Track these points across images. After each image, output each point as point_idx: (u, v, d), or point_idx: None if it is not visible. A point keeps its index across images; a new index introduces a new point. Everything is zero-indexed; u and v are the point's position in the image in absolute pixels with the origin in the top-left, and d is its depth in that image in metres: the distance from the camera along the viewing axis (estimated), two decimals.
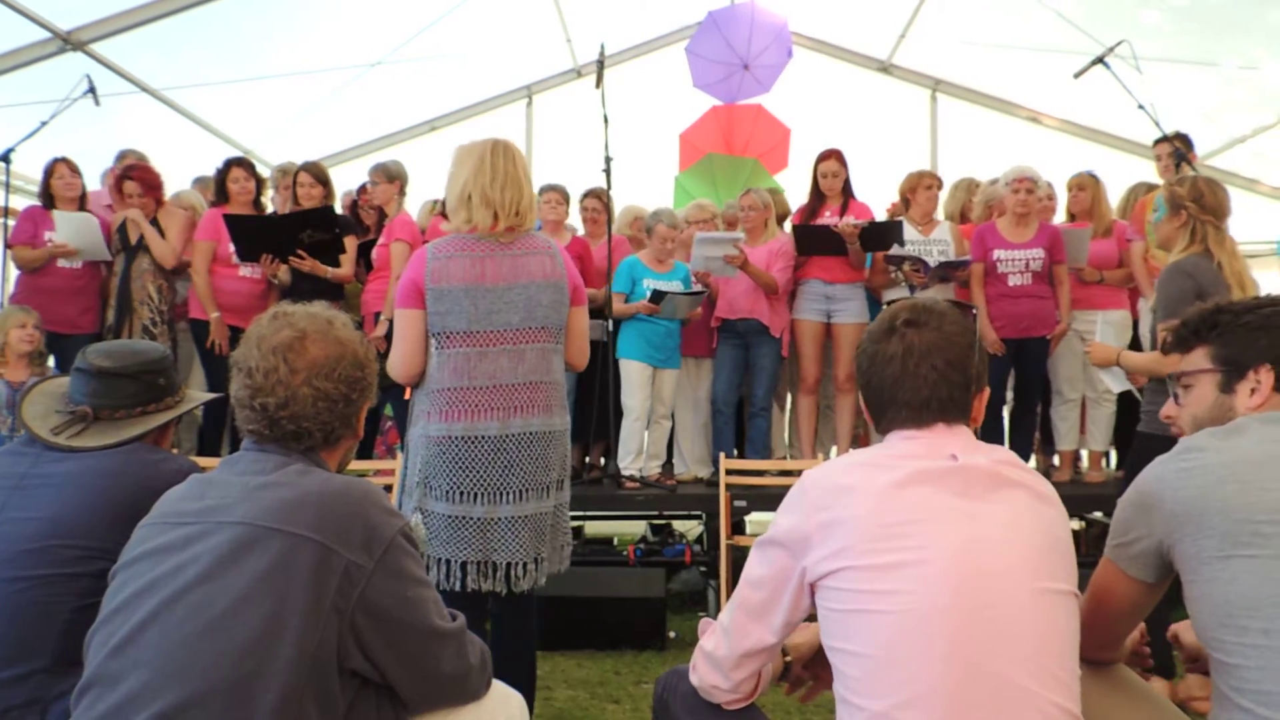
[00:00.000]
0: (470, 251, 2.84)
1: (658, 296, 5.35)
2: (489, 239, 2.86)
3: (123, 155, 6.14)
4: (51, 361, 5.30)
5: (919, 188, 5.77)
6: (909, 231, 5.67)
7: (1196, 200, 3.51)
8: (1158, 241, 3.70)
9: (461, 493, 2.78)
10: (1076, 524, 5.94)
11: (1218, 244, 3.48)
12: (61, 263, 5.49)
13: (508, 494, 2.79)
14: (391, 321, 5.17)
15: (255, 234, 5.40)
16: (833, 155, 5.85)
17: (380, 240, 5.54)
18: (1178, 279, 3.42)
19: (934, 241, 5.67)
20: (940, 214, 5.97)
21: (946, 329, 1.72)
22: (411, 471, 2.89)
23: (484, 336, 2.81)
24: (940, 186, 5.85)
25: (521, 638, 3.00)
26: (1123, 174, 6.69)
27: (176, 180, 6.54)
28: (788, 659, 1.94)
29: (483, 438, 2.79)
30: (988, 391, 1.76)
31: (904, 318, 1.74)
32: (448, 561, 2.78)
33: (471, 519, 2.78)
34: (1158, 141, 5.53)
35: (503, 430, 2.80)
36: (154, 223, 5.59)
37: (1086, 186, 5.84)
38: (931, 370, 1.69)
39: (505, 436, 2.80)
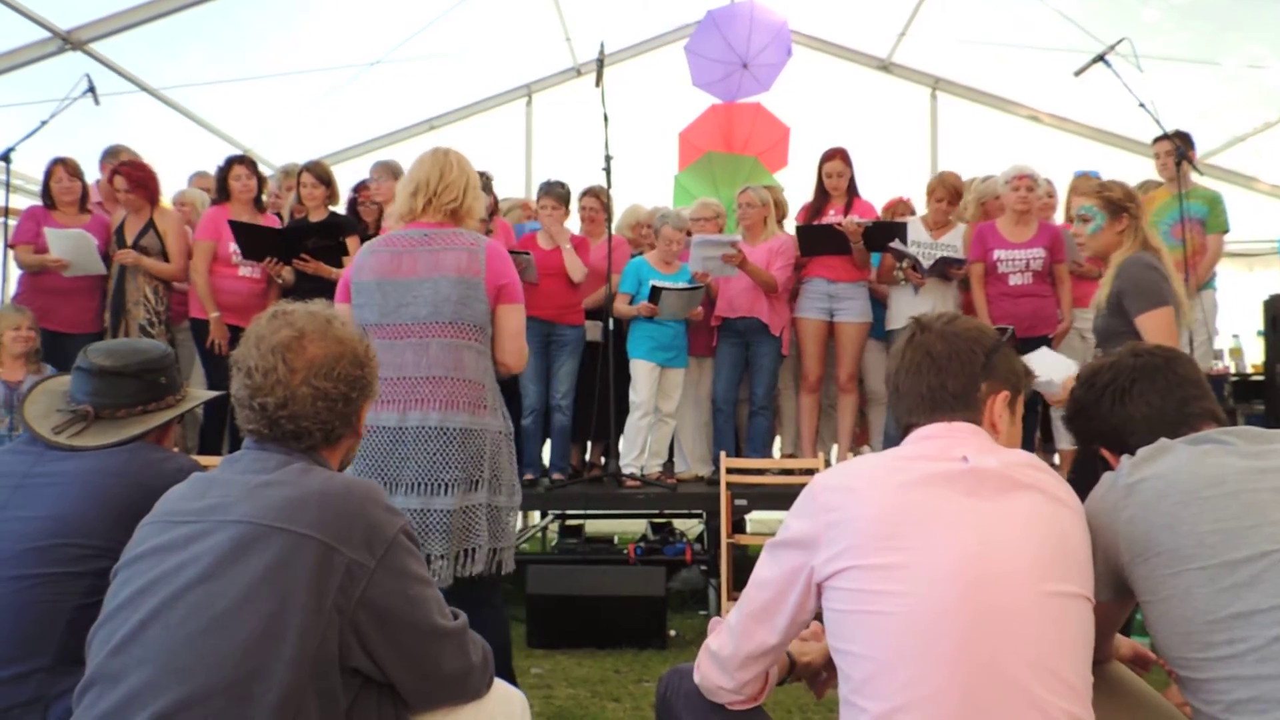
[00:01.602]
0: (393, 246, 2.95)
1: (654, 293, 5.36)
2: (416, 234, 2.94)
3: (113, 151, 6.12)
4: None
5: (930, 197, 5.74)
6: (920, 232, 5.66)
7: (1135, 202, 3.58)
8: (1094, 250, 3.68)
9: None
10: None
11: (1154, 242, 3.55)
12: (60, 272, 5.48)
13: (400, 486, 2.82)
14: None
15: (260, 241, 5.41)
16: (838, 155, 5.84)
17: None
18: (1150, 272, 3.44)
19: (942, 246, 5.65)
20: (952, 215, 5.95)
21: (953, 326, 1.79)
22: None
23: (392, 329, 2.89)
24: (949, 200, 5.77)
25: (490, 640, 2.97)
26: (1124, 173, 6.67)
27: (177, 179, 6.55)
28: (792, 670, 1.94)
29: (382, 428, 2.84)
30: (1005, 394, 1.77)
31: (919, 321, 1.84)
32: None
33: None
34: (1157, 140, 5.53)
35: (400, 422, 2.85)
36: (150, 224, 5.57)
37: None
38: (926, 358, 1.76)
39: (402, 429, 2.84)
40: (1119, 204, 3.56)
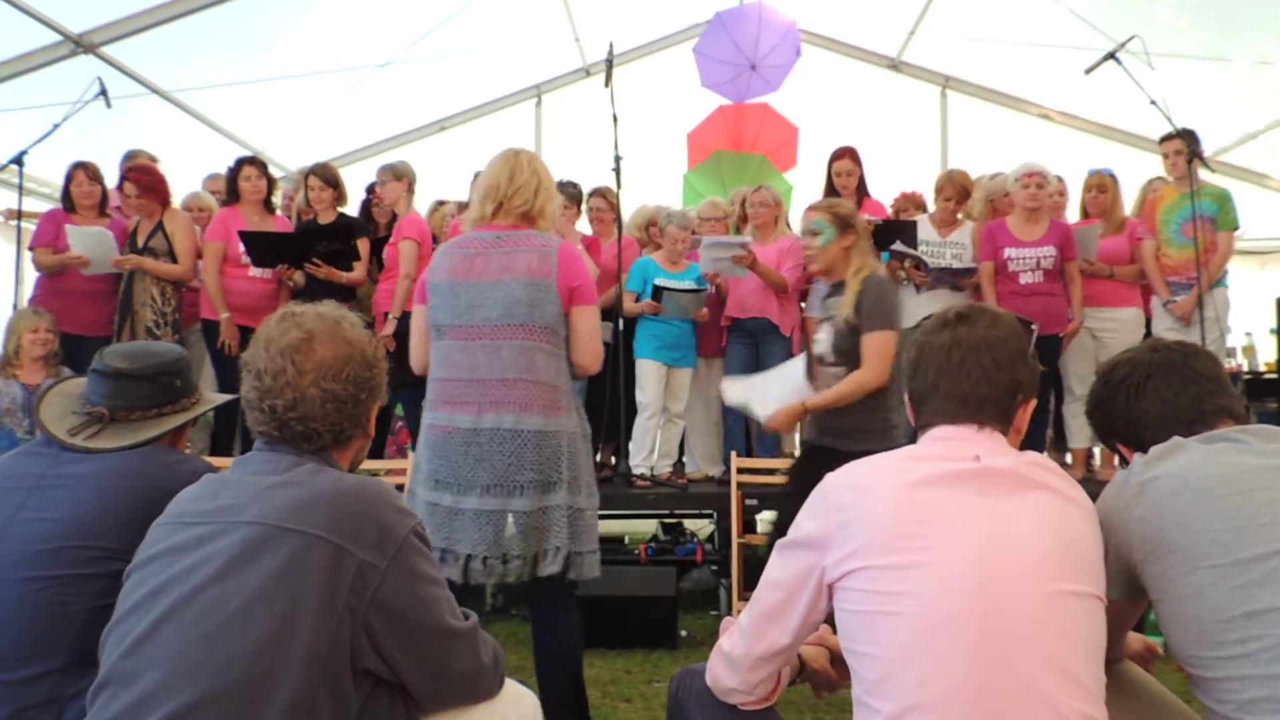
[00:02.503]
0: (466, 248, 2.94)
1: (657, 293, 5.36)
2: (488, 236, 2.94)
3: (132, 155, 6.16)
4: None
5: (939, 195, 5.75)
6: (927, 231, 5.65)
7: (859, 220, 3.59)
8: (823, 264, 3.61)
9: (436, 480, 2.86)
10: None
11: (874, 260, 3.59)
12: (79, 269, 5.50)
13: (474, 487, 2.81)
14: (399, 320, 5.26)
15: (270, 248, 5.42)
16: (847, 154, 5.83)
17: (391, 240, 5.55)
18: (893, 294, 3.49)
19: (950, 244, 5.65)
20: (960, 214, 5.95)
21: (999, 330, 1.74)
22: (416, 456, 3.00)
23: (466, 330, 2.88)
24: (957, 199, 5.78)
25: (559, 646, 2.97)
26: (1134, 170, 6.67)
27: (188, 182, 6.57)
28: (801, 672, 1.94)
29: (457, 429, 2.84)
30: (1034, 403, 1.76)
31: (958, 313, 1.77)
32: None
33: (441, 506, 2.84)
34: (1165, 139, 5.50)
35: (475, 424, 2.83)
36: (159, 225, 5.59)
37: (1107, 188, 5.81)
38: (976, 366, 1.71)
39: (477, 430, 2.83)
40: (847, 220, 3.55)
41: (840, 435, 3.43)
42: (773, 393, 3.58)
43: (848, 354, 3.45)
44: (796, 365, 3.64)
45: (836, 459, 1.87)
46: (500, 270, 2.88)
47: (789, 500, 3.34)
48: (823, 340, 3.57)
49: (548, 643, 2.96)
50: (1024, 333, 1.79)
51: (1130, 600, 1.76)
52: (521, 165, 3.02)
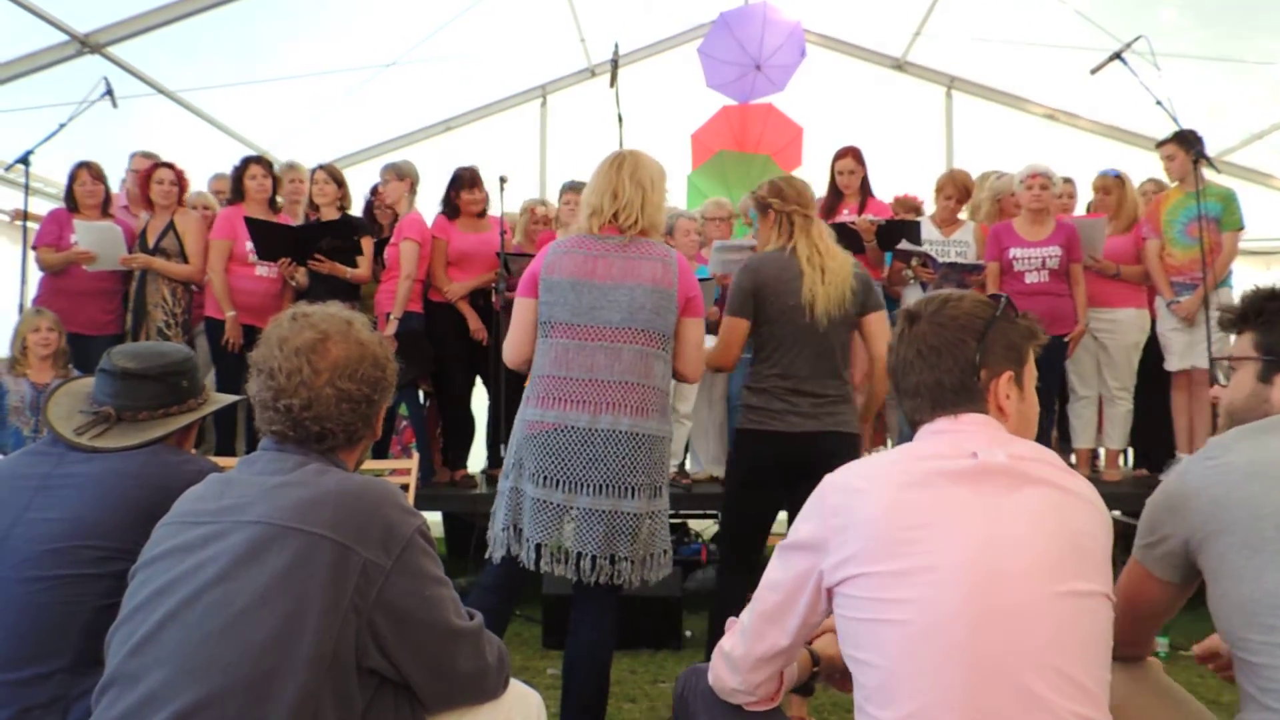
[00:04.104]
0: (586, 249, 2.95)
1: None
2: (609, 240, 2.96)
3: (142, 155, 6.17)
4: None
5: (939, 194, 5.75)
6: (930, 231, 5.64)
7: (778, 195, 3.53)
8: (759, 247, 3.65)
9: (545, 477, 2.85)
10: None
11: (804, 232, 3.50)
12: (84, 266, 5.50)
13: (587, 486, 2.83)
14: (400, 321, 5.25)
15: (275, 239, 5.42)
16: (849, 153, 5.82)
17: (392, 240, 5.55)
18: (739, 276, 3.47)
19: (954, 242, 5.64)
20: (964, 213, 5.94)
21: (942, 316, 1.73)
22: (509, 451, 2.99)
23: (584, 330, 2.89)
24: (958, 198, 5.79)
25: (594, 641, 3.01)
26: (1140, 171, 6.65)
27: (194, 182, 6.57)
28: (816, 669, 1.94)
29: (572, 428, 2.84)
30: (1008, 375, 1.70)
31: (907, 313, 1.78)
32: (528, 540, 2.87)
33: (551, 504, 2.84)
34: (1162, 143, 5.48)
35: (591, 424, 2.85)
36: (171, 225, 5.59)
37: (1111, 190, 5.81)
38: (917, 357, 1.72)
39: (593, 431, 2.84)
40: (763, 201, 3.56)
41: None
42: None
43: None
44: None
45: None
46: (623, 275, 2.91)
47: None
48: None
49: (587, 638, 3.00)
50: (981, 310, 1.74)
51: (1183, 584, 1.75)
52: (624, 181, 3.00)
